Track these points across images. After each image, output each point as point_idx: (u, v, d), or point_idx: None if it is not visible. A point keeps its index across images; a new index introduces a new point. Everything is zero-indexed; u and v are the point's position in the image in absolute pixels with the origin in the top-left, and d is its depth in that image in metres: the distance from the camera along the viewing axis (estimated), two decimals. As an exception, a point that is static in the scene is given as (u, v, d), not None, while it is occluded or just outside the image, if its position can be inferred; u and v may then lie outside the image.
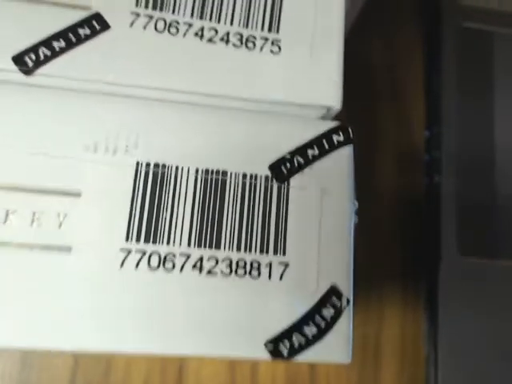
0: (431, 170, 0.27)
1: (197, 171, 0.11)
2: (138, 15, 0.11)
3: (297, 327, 0.10)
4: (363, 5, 0.25)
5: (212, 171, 0.11)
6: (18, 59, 0.11)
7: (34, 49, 0.11)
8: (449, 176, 0.26)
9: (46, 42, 0.11)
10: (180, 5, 0.12)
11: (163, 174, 0.11)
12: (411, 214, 0.26)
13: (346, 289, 0.11)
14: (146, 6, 0.11)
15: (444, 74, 0.27)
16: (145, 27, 0.11)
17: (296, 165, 0.11)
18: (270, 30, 0.12)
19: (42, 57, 0.11)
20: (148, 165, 0.11)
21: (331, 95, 0.12)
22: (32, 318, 0.10)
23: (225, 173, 0.11)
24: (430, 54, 0.28)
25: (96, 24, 0.11)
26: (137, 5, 0.11)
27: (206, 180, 0.11)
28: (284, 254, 0.11)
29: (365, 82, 0.27)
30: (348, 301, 0.11)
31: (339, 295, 0.11)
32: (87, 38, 0.11)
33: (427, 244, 0.26)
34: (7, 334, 0.10)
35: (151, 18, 0.11)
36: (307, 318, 0.11)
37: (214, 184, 0.11)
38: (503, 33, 0.28)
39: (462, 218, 0.25)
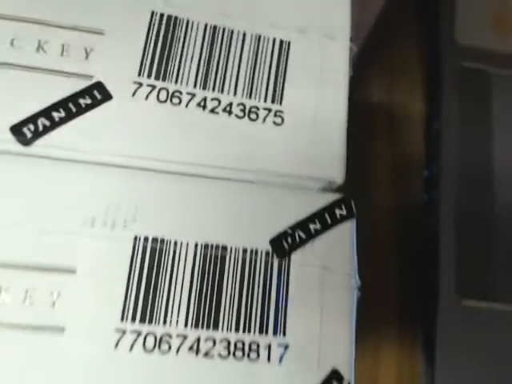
0: (430, 211, 0.27)
1: (196, 246, 0.11)
2: (140, 85, 0.11)
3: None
4: (365, 37, 0.25)
5: (212, 246, 0.11)
6: (16, 130, 0.10)
7: (32, 119, 0.11)
8: (447, 219, 0.25)
9: (46, 112, 0.11)
10: (183, 74, 0.11)
11: (161, 249, 0.11)
12: (408, 254, 0.26)
13: (348, 372, 0.11)
14: (149, 76, 0.11)
15: (443, 112, 0.27)
16: (147, 97, 0.11)
17: (297, 240, 0.11)
18: (273, 101, 0.12)
19: (40, 127, 0.11)
20: (146, 239, 0.11)
21: (334, 169, 0.11)
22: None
23: (224, 248, 0.11)
24: (430, 92, 0.29)
25: (97, 93, 0.11)
26: (139, 74, 0.11)
27: (205, 255, 0.11)
28: (284, 334, 0.11)
29: (364, 119, 0.27)
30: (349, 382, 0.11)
31: (340, 379, 0.10)
32: (88, 107, 0.11)
33: (424, 284, 0.25)
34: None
35: (154, 87, 0.11)
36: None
37: (213, 260, 0.11)
38: (501, 72, 0.29)
39: (461, 259, 0.25)
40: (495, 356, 0.24)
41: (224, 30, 0.12)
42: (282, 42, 0.12)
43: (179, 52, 0.11)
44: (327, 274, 0.11)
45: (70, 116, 0.11)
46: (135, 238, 0.11)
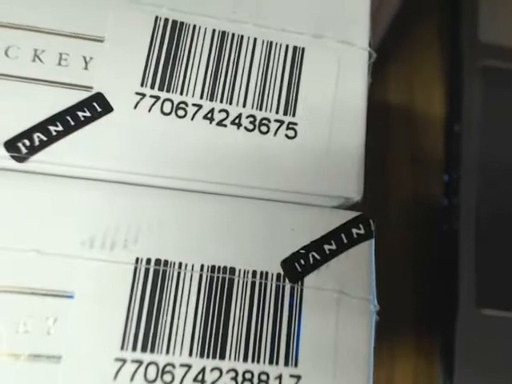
0: (450, 216, 0.26)
1: (202, 268, 0.10)
2: (143, 96, 0.10)
3: None
4: (383, 34, 0.24)
5: (219, 268, 0.10)
6: (10, 145, 0.10)
7: (28, 134, 0.10)
8: (467, 224, 0.25)
9: (42, 126, 0.10)
10: (189, 85, 0.11)
11: (164, 272, 0.10)
12: (426, 261, 0.25)
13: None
14: (152, 87, 0.10)
15: (464, 114, 0.26)
16: (150, 109, 0.10)
17: (311, 261, 0.10)
18: (285, 112, 0.11)
19: (36, 142, 0.10)
20: (148, 261, 0.10)
21: (351, 186, 0.11)
22: None
23: (232, 270, 0.10)
24: (451, 93, 0.28)
25: (97, 106, 0.10)
26: (142, 84, 0.10)
27: (211, 279, 0.10)
28: (296, 365, 0.10)
29: (381, 122, 0.26)
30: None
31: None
32: (87, 121, 0.10)
33: (443, 292, 0.25)
34: None
35: (157, 99, 0.10)
36: None
37: (220, 284, 0.10)
38: None
39: (481, 267, 0.24)
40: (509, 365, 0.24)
41: (233, 35, 0.11)
42: (295, 48, 0.11)
43: (185, 60, 0.11)
44: (343, 299, 0.10)
45: (67, 130, 0.10)
46: (136, 260, 0.10)
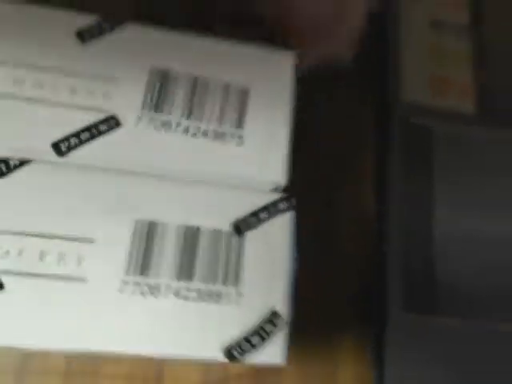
0: (380, 238, 0.31)
1: (178, 227, 0.15)
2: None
3: (246, 339, 0.15)
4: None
5: (189, 227, 0.15)
6: (56, 146, 0.15)
7: (67, 138, 0.16)
8: (395, 245, 0.30)
9: (76, 135, 0.16)
10: (174, 106, 0.16)
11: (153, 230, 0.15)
12: (363, 274, 0.30)
13: (284, 312, 0.15)
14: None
15: (390, 167, 0.31)
16: (147, 126, 0.16)
17: (251, 223, 0.16)
18: (237, 126, 0.17)
19: (72, 144, 0.15)
20: (143, 222, 0.15)
21: (280, 175, 0.16)
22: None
23: (198, 230, 0.16)
24: (378, 146, 0.33)
25: (112, 123, 0.16)
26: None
27: (184, 233, 0.15)
28: (239, 285, 0.15)
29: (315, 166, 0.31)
30: (284, 321, 0.15)
31: (278, 316, 0.15)
32: (105, 132, 0.16)
33: (376, 301, 0.29)
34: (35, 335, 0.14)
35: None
36: (253, 333, 0.15)
37: (189, 236, 0.15)
38: (442, 127, 0.33)
39: (407, 280, 0.29)
40: (436, 361, 0.28)
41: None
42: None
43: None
44: (272, 248, 0.16)
45: (93, 137, 0.16)
46: (136, 221, 0.15)
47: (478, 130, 0.34)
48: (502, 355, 0.29)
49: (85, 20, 0.17)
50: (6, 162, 0.15)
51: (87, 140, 0.16)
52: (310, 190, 0.29)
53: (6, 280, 0.14)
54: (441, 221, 0.31)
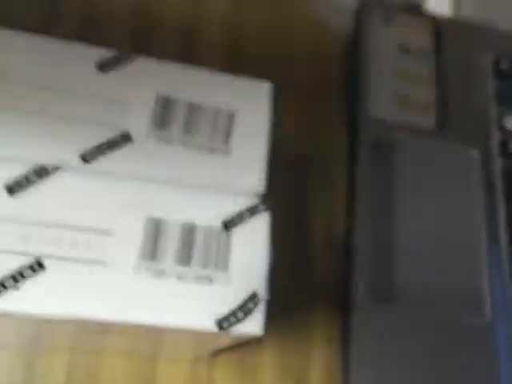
0: (348, 239, 0.35)
1: (179, 224, 0.19)
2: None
3: (233, 313, 0.19)
4: None
5: (185, 223, 0.19)
6: (84, 157, 0.19)
7: (92, 150, 0.19)
8: (361, 255, 0.34)
9: (100, 147, 0.19)
10: (175, 125, 0.20)
11: (159, 227, 0.19)
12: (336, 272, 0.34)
13: (262, 293, 0.19)
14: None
15: (358, 180, 0.36)
16: (157, 142, 0.20)
17: (236, 221, 0.20)
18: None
19: (96, 155, 0.19)
20: (152, 219, 0.19)
21: (259, 183, 0.20)
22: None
23: (194, 226, 0.20)
24: (348, 158, 0.37)
25: (125, 138, 0.20)
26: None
27: (188, 230, 0.19)
28: (227, 270, 0.19)
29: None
30: (263, 300, 0.19)
31: (257, 296, 0.19)
32: (120, 145, 0.20)
33: (345, 293, 0.34)
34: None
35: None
36: (238, 308, 0.19)
37: (186, 231, 0.19)
38: (407, 142, 0.38)
39: (373, 271, 0.33)
40: (396, 348, 0.32)
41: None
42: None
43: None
44: (253, 241, 0.20)
45: (111, 148, 0.20)
46: (147, 218, 0.19)
47: (437, 143, 0.38)
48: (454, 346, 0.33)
49: (105, 54, 0.21)
50: (44, 168, 0.19)
51: (107, 151, 0.19)
52: (284, 194, 0.34)
53: (47, 262, 0.17)
54: (402, 225, 0.36)
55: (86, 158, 0.19)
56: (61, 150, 0.19)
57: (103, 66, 0.21)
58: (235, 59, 0.36)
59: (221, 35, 0.37)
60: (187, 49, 0.36)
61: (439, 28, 0.43)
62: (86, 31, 0.34)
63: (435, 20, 0.42)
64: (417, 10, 0.44)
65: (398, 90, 0.41)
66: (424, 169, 0.39)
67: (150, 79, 0.21)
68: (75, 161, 0.19)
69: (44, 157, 0.19)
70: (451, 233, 0.37)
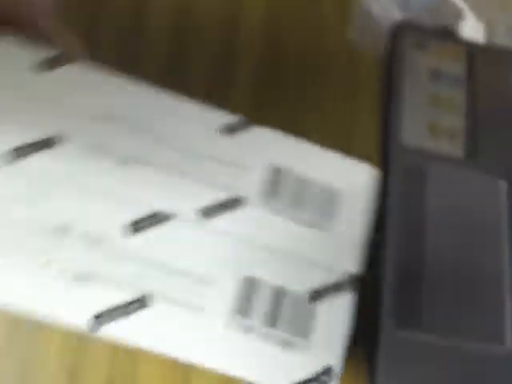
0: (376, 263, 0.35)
1: (271, 287, 0.21)
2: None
3: (308, 381, 0.20)
4: None
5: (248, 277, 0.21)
6: (200, 212, 0.22)
7: (207, 207, 0.22)
8: (390, 268, 0.33)
9: (213, 206, 0.22)
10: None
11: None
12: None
13: (337, 370, 0.20)
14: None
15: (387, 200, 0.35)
16: (265, 210, 0.22)
17: (322, 294, 0.21)
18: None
19: (210, 212, 0.22)
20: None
21: (354, 265, 0.22)
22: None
23: (285, 291, 0.21)
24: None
25: (238, 202, 0.22)
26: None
27: (274, 293, 0.21)
28: (307, 339, 0.21)
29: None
30: (337, 376, 0.20)
31: (332, 371, 0.20)
32: (233, 207, 0.22)
33: (369, 318, 0.33)
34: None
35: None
36: (314, 379, 0.20)
37: (277, 295, 0.21)
38: (437, 171, 0.37)
39: (400, 298, 0.32)
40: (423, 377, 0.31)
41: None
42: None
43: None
44: (335, 316, 0.21)
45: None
46: (244, 278, 0.21)
47: (465, 172, 0.37)
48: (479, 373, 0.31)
49: (228, 118, 0.23)
50: (165, 214, 0.21)
51: (220, 210, 0.22)
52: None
53: (153, 300, 0.20)
54: (430, 254, 0.35)
55: (201, 213, 0.22)
56: (181, 202, 0.22)
57: (225, 130, 0.23)
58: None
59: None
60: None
61: (472, 55, 0.42)
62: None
63: (469, 46, 0.42)
64: (451, 36, 0.44)
65: (429, 117, 0.41)
66: (452, 198, 0.38)
67: (264, 148, 0.23)
68: (192, 213, 0.22)
69: (166, 205, 0.22)
70: (478, 263, 0.36)
